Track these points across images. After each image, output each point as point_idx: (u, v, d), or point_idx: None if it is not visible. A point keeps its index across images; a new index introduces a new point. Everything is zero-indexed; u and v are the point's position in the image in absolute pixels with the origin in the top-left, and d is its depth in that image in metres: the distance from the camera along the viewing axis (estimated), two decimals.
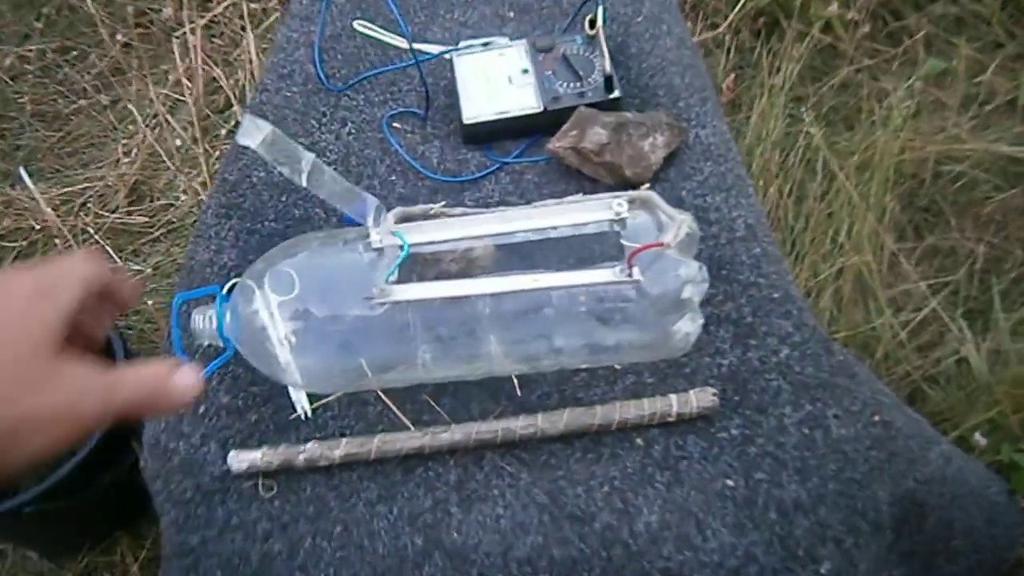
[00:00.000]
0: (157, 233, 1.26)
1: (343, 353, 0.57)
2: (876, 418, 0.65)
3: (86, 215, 1.26)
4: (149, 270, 1.21)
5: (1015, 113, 1.29)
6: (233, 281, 0.70)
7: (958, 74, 1.30)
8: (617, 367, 0.63)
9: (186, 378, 0.37)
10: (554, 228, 0.57)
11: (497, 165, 0.76)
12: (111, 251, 1.22)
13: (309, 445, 0.61)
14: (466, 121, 0.75)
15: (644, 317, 0.56)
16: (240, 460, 0.60)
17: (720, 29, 1.34)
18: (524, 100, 0.76)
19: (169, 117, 1.32)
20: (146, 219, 1.25)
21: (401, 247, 0.55)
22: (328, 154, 0.78)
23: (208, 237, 0.75)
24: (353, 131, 0.80)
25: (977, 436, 0.89)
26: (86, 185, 1.29)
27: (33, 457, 0.32)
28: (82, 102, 1.41)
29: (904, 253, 1.13)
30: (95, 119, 1.39)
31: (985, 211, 1.16)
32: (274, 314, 0.56)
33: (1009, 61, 1.33)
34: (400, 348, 0.57)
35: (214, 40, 1.42)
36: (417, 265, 0.57)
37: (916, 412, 0.73)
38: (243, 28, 1.32)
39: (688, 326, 0.57)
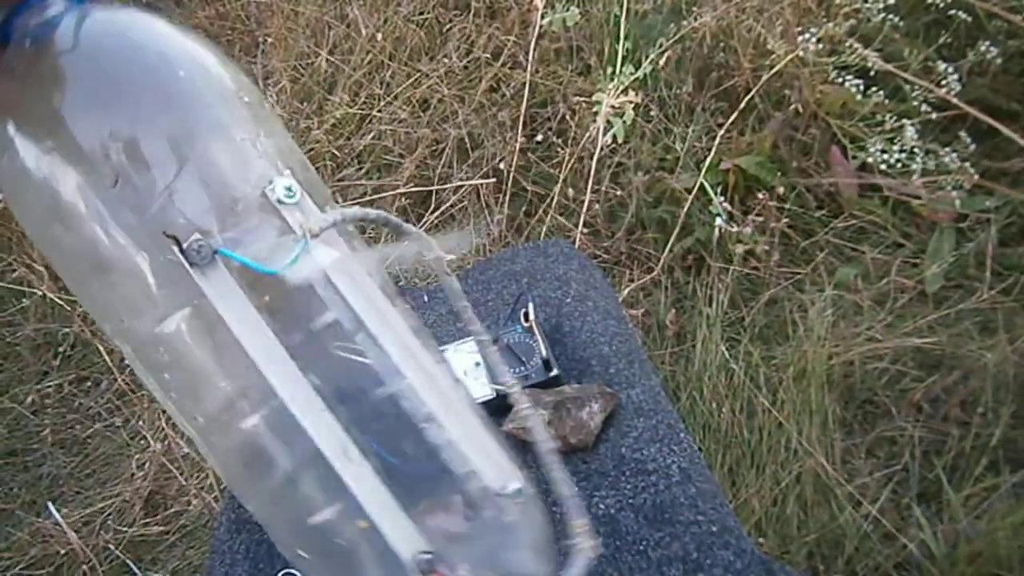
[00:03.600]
0: (173, 539, 1.36)
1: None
2: None
3: (106, 532, 1.36)
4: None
5: (927, 300, 1.45)
6: None
7: (868, 277, 1.47)
8: None
9: None
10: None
11: None
12: (132, 563, 1.31)
13: None
14: None
15: None
16: None
17: (655, 272, 1.53)
18: (479, 390, 0.90)
19: (171, 432, 1.45)
20: (161, 528, 1.35)
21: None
22: None
23: (222, 552, 0.85)
24: None
25: None
26: (104, 504, 1.40)
27: None
28: (98, 426, 1.56)
29: (854, 448, 1.24)
30: (110, 439, 1.53)
31: (916, 398, 1.29)
32: None
33: (910, 257, 1.51)
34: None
35: None
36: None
37: None
38: None
39: None
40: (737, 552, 0.75)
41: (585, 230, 1.54)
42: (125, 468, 1.47)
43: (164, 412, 1.51)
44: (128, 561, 1.32)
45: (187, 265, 0.35)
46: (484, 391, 0.90)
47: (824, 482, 1.18)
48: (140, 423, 1.48)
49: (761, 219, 1.45)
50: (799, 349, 1.34)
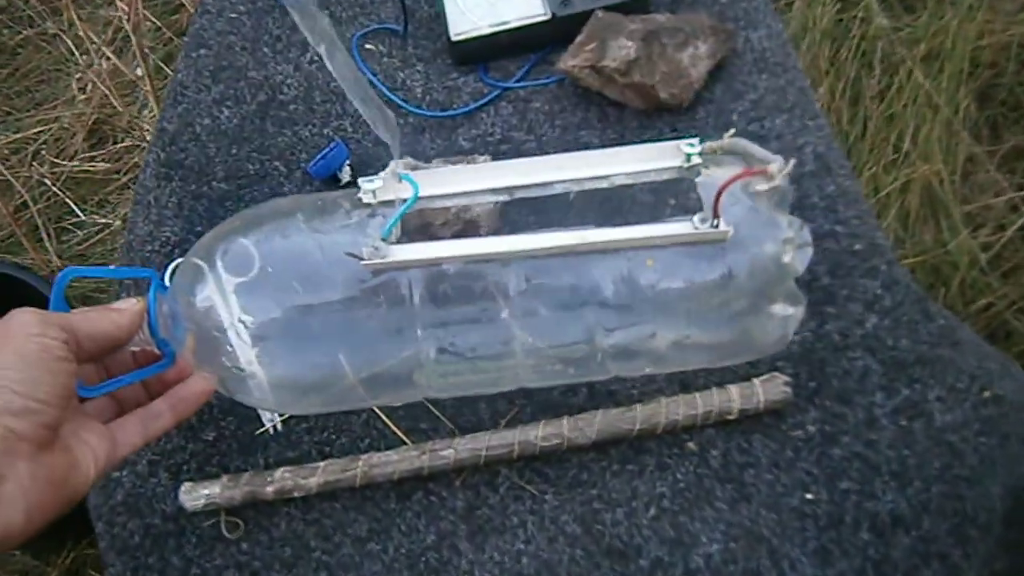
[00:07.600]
0: (124, 179, 1.12)
1: (319, 353, 0.43)
2: (986, 393, 0.52)
3: (41, 164, 1.11)
4: (118, 223, 1.07)
5: None
6: (176, 262, 0.56)
7: None
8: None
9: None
10: (599, 179, 0.43)
11: (496, 91, 0.60)
12: (72, 202, 1.08)
13: (279, 474, 0.48)
14: (454, 37, 0.60)
15: (734, 294, 0.43)
16: (195, 496, 0.48)
17: None
18: (527, 5, 0.60)
19: (133, 38, 1.14)
20: (109, 164, 1.11)
21: (406, 198, 0.42)
22: (286, 89, 0.63)
23: (147, 204, 0.61)
24: (316, 58, 0.64)
25: None
26: (40, 129, 1.14)
27: None
28: (28, 31, 1.24)
29: (982, 159, 0.97)
30: (45, 50, 1.22)
31: None
32: (230, 303, 0.41)
33: None
34: (395, 341, 0.43)
35: None
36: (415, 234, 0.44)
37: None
38: None
39: (786, 309, 0.44)
40: (887, 283, 0.52)
41: None
42: (64, 88, 1.19)
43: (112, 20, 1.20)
44: (68, 200, 1.09)
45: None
46: (534, 8, 0.59)
47: (937, 195, 0.92)
48: (85, 31, 1.16)
49: None
50: (936, 20, 1.01)
